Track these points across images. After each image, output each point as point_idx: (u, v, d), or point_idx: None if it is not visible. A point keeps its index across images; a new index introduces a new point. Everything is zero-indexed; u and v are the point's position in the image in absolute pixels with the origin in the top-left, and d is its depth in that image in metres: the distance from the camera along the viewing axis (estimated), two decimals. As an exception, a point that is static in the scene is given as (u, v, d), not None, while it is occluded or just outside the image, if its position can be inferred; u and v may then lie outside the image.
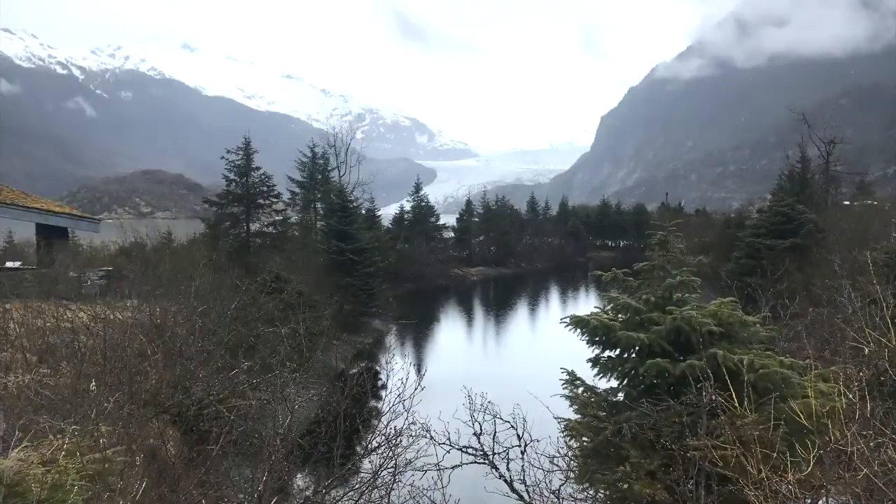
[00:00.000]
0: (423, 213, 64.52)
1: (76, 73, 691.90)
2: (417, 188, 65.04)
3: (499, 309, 47.29)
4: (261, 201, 34.31)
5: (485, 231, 71.97)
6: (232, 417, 12.26)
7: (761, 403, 7.03)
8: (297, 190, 46.11)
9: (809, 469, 5.55)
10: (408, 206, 65.17)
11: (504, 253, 71.04)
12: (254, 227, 34.51)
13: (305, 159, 46.51)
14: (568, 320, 9.14)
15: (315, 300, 26.36)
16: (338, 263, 34.83)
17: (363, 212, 50.10)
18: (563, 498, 8.62)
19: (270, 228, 35.02)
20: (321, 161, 47.06)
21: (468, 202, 73.94)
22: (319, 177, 46.53)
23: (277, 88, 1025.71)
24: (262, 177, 34.29)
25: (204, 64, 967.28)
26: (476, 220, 72.28)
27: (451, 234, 70.16)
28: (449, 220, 72.31)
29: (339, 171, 51.60)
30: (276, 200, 35.41)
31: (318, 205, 45.31)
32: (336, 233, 35.97)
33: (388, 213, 67.97)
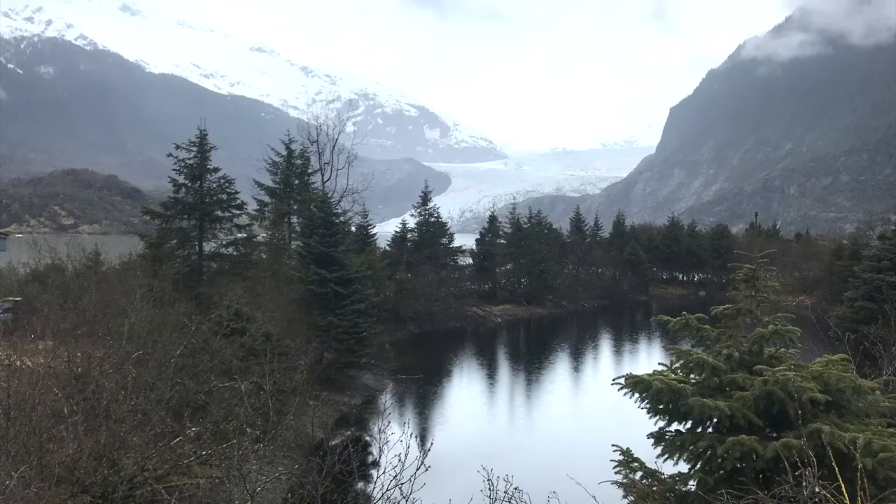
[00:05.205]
0: (433, 231, 64.73)
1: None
2: (425, 198, 65.36)
3: (530, 362, 47.05)
4: (218, 213, 34.51)
5: (514, 257, 71.86)
6: (173, 501, 12.26)
7: (882, 499, 6.95)
8: (266, 199, 46.40)
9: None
10: (412, 222, 65.45)
11: (539, 287, 70.86)
12: (208, 246, 34.66)
13: (279, 159, 46.84)
14: (623, 381, 9.12)
15: (287, 346, 26.43)
16: (318, 297, 34.93)
17: (353, 229, 50.30)
18: None
19: (230, 249, 35.17)
20: (299, 161, 47.37)
21: (492, 218, 73.96)
22: (296, 182, 46.81)
23: (244, 65, 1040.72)
24: (222, 181, 34.54)
25: (149, 32, 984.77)
26: (502, 242, 72.27)
27: (470, 261, 70.26)
28: (466, 241, 72.28)
29: (323, 175, 51.95)
30: (238, 213, 35.59)
31: (294, 219, 45.58)
32: (316, 256, 36.13)
33: (385, 230, 68.33)
